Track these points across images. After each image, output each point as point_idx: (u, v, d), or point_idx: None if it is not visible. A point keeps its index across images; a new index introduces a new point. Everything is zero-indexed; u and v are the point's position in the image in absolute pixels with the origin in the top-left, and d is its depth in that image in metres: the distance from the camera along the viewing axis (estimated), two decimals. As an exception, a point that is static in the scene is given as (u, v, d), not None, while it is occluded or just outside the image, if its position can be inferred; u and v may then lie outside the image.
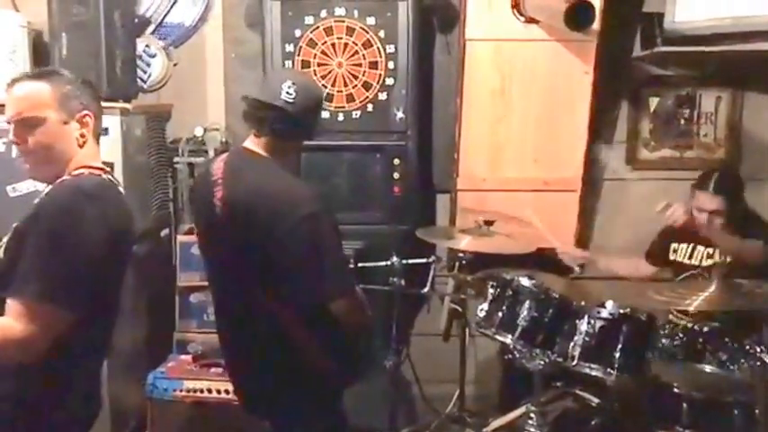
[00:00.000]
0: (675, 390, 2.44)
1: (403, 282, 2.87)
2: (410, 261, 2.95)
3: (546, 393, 2.69)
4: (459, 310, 3.21)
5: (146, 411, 3.11)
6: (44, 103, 1.83)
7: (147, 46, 3.53)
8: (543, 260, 3.07)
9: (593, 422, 2.65)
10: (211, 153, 3.41)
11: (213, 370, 3.09)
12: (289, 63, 3.21)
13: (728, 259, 2.91)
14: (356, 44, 3.19)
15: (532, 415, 2.52)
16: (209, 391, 3.04)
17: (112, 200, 1.87)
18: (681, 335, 2.92)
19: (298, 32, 3.20)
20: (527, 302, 2.52)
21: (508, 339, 2.52)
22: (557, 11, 2.78)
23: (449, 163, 3.41)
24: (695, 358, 2.79)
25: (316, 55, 3.21)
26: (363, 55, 3.20)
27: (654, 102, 3.54)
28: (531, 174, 3.27)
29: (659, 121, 3.56)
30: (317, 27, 3.19)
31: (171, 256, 3.38)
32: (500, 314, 2.57)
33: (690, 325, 2.96)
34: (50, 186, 1.84)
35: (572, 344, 2.45)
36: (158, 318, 3.32)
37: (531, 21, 3.11)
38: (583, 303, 2.51)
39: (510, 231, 2.93)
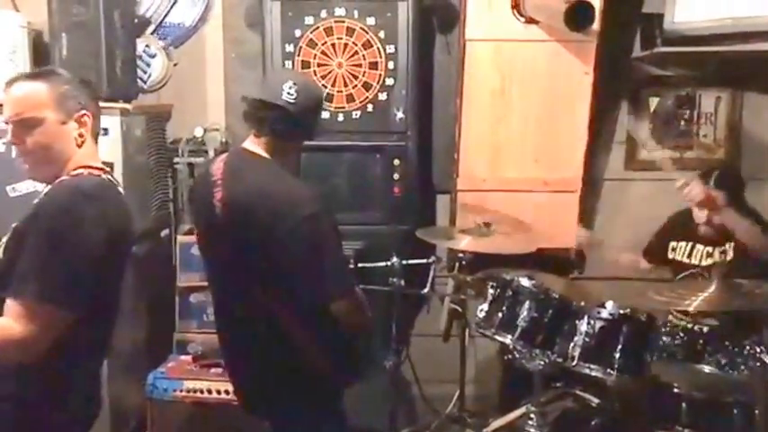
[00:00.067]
0: (675, 390, 2.44)
1: (403, 282, 2.87)
2: (410, 261, 2.95)
3: (546, 394, 2.69)
4: (459, 310, 3.21)
5: (146, 411, 3.11)
6: (42, 103, 1.83)
7: (147, 46, 3.53)
8: (543, 260, 3.07)
9: (593, 422, 2.65)
10: (211, 153, 3.41)
11: (213, 370, 3.09)
12: (289, 63, 3.21)
13: (728, 258, 2.92)
14: (356, 44, 3.20)
15: (532, 415, 2.52)
16: (209, 391, 3.04)
17: (112, 200, 1.86)
18: (681, 335, 2.92)
19: (298, 33, 3.20)
20: (527, 303, 2.52)
21: (508, 340, 2.52)
22: (557, 11, 2.78)
23: (449, 163, 3.41)
24: (695, 359, 2.79)
25: (316, 55, 3.21)
26: (363, 55, 3.20)
27: (654, 102, 3.54)
28: (531, 174, 3.27)
29: (659, 122, 3.56)
30: (317, 27, 3.19)
31: (171, 257, 3.38)
32: (500, 314, 2.57)
33: (690, 325, 2.96)
34: (49, 186, 1.84)
35: (572, 344, 2.45)
36: (158, 318, 3.32)
37: (530, 21, 3.10)
38: (583, 304, 2.51)
39: (510, 231, 2.93)
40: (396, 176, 3.27)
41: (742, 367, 2.64)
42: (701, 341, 2.85)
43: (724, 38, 3.07)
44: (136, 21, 3.37)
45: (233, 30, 3.55)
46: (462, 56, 3.18)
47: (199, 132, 3.47)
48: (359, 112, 3.25)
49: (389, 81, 3.22)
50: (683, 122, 3.55)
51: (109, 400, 2.76)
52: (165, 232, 3.47)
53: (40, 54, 3.22)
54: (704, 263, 3.01)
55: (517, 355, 2.52)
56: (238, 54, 3.55)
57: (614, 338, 2.42)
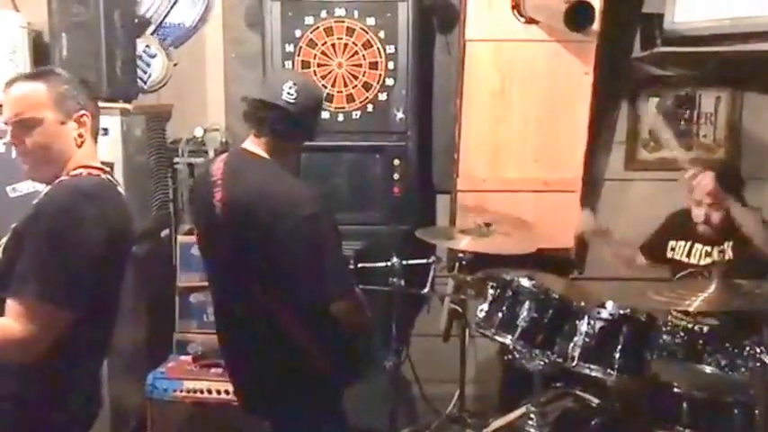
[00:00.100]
0: (675, 390, 2.44)
1: (403, 282, 2.87)
2: (410, 261, 2.95)
3: (546, 394, 2.69)
4: (459, 310, 3.21)
5: (146, 411, 3.11)
6: (41, 103, 1.83)
7: (147, 46, 3.53)
8: (543, 260, 3.07)
9: (593, 422, 2.65)
10: (211, 153, 3.41)
11: (213, 370, 3.09)
12: (289, 63, 3.21)
13: (727, 258, 2.92)
14: (356, 44, 3.19)
15: (532, 415, 2.52)
16: (209, 391, 3.04)
17: (111, 200, 1.86)
18: (681, 335, 2.91)
19: (298, 33, 3.20)
20: (527, 303, 2.52)
21: (508, 340, 2.52)
22: (557, 11, 2.78)
23: (449, 163, 3.41)
24: (695, 359, 2.79)
25: (316, 55, 3.21)
26: (363, 55, 3.20)
27: (654, 102, 3.54)
28: (531, 174, 3.27)
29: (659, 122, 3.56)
30: (317, 27, 3.19)
31: (171, 257, 3.38)
32: (500, 315, 2.57)
33: (690, 325, 2.96)
34: (49, 187, 1.84)
35: (572, 344, 2.45)
36: (158, 318, 3.32)
37: (530, 21, 3.11)
38: (583, 304, 2.51)
39: (510, 231, 2.93)
40: (396, 176, 3.27)
41: (742, 367, 2.64)
42: (700, 341, 2.84)
43: (724, 38, 3.07)
44: (136, 21, 3.37)
45: (233, 30, 3.55)
46: (462, 56, 3.18)
47: (199, 132, 3.47)
48: (359, 113, 3.25)
49: (389, 81, 3.22)
50: (682, 122, 3.55)
51: (109, 399, 2.76)
52: (165, 232, 3.47)
53: (40, 54, 3.21)
54: (703, 262, 3.01)
55: (517, 356, 2.52)
56: (238, 54, 3.55)
57: (614, 338, 2.42)
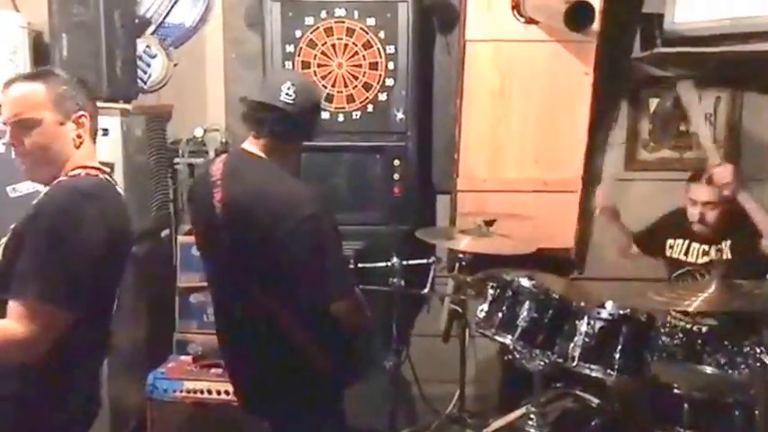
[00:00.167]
0: (675, 390, 2.44)
1: (403, 282, 2.87)
2: (410, 262, 2.95)
3: (546, 394, 2.69)
4: (459, 310, 3.21)
5: (146, 411, 3.11)
6: (40, 104, 1.83)
7: (147, 46, 3.53)
8: (543, 260, 3.07)
9: (593, 423, 2.64)
10: (211, 154, 3.42)
11: (213, 370, 3.09)
12: (289, 64, 3.21)
13: (725, 257, 2.93)
14: (356, 45, 3.20)
15: (532, 415, 2.52)
16: (209, 391, 3.04)
17: (111, 200, 1.87)
18: (681, 335, 2.92)
19: (298, 33, 3.20)
20: (527, 303, 2.52)
21: (508, 340, 2.52)
22: (556, 11, 2.78)
23: (449, 163, 3.41)
24: (695, 359, 2.79)
25: (316, 56, 3.21)
26: (363, 56, 3.21)
27: (653, 102, 3.54)
28: (531, 174, 3.27)
29: (659, 122, 3.56)
30: (317, 28, 3.19)
31: (171, 257, 3.38)
32: (500, 315, 2.57)
33: (689, 326, 2.96)
34: (48, 187, 1.84)
35: (572, 344, 2.44)
36: (158, 318, 3.32)
37: (530, 21, 3.11)
38: (583, 304, 2.50)
39: (510, 232, 2.93)
40: (396, 177, 3.27)
41: (742, 367, 2.64)
42: (700, 341, 2.85)
43: (724, 38, 3.07)
44: (136, 21, 3.37)
45: (233, 30, 3.55)
46: (462, 56, 3.18)
47: (199, 133, 3.48)
48: (359, 113, 3.25)
49: (389, 81, 3.22)
50: (682, 122, 3.55)
51: (109, 399, 2.77)
52: (165, 232, 3.47)
53: (41, 54, 3.22)
54: (700, 260, 3.02)
55: (517, 356, 2.52)
56: (238, 54, 3.55)
57: (614, 339, 2.41)
